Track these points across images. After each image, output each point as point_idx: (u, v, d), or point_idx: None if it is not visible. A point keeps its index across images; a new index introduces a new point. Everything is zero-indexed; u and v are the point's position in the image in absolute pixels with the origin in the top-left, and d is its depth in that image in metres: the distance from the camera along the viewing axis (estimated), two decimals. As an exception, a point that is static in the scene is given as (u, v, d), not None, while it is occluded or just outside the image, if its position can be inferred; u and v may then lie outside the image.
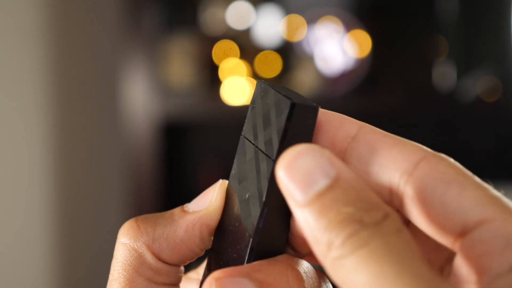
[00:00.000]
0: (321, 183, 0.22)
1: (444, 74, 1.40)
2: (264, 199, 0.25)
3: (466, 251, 0.23)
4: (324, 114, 0.26)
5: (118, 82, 1.39)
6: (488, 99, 1.37)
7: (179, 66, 1.38)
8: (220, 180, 0.28)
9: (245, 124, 0.27)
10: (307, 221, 0.22)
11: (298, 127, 0.25)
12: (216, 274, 0.24)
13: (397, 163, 0.25)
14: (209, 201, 0.27)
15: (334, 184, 0.22)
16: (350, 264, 0.21)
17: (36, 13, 1.46)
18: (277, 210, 0.26)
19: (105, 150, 1.52)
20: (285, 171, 0.23)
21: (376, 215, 0.22)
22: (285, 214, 0.26)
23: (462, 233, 0.23)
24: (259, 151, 0.26)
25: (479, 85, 1.38)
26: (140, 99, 1.32)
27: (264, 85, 0.27)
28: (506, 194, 0.24)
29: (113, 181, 1.51)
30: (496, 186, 0.24)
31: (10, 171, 1.47)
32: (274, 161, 0.25)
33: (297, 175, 0.23)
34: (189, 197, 0.29)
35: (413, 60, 1.48)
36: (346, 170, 0.23)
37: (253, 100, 0.27)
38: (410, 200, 0.24)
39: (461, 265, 0.24)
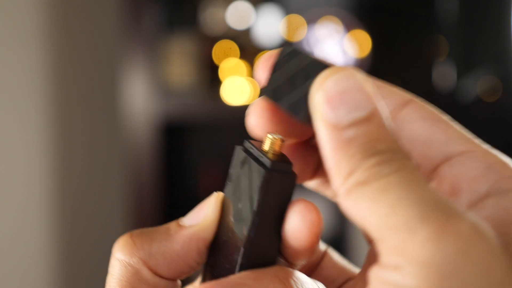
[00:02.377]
0: (358, 113, 0.23)
1: (444, 74, 1.40)
2: (255, 209, 0.25)
3: (445, 173, 0.25)
4: None
5: (118, 82, 1.39)
6: (488, 99, 1.37)
7: (179, 66, 1.38)
8: (215, 193, 0.28)
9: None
10: (334, 143, 0.23)
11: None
12: (202, 286, 0.24)
13: (387, 102, 0.26)
14: (204, 214, 0.27)
15: (370, 118, 0.23)
16: (371, 190, 0.21)
17: (36, 13, 1.46)
18: (269, 220, 0.26)
19: (105, 150, 1.52)
20: (323, 95, 0.23)
21: (402, 154, 0.23)
22: (278, 224, 0.26)
23: (443, 160, 0.25)
24: (252, 160, 0.26)
25: (479, 85, 1.38)
26: (140, 99, 1.32)
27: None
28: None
29: (113, 181, 1.51)
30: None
31: (10, 171, 1.47)
32: (265, 170, 0.25)
33: (336, 100, 0.23)
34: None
35: (413, 60, 1.48)
36: (383, 110, 0.23)
37: None
38: (399, 130, 0.26)
39: (437, 186, 0.25)
